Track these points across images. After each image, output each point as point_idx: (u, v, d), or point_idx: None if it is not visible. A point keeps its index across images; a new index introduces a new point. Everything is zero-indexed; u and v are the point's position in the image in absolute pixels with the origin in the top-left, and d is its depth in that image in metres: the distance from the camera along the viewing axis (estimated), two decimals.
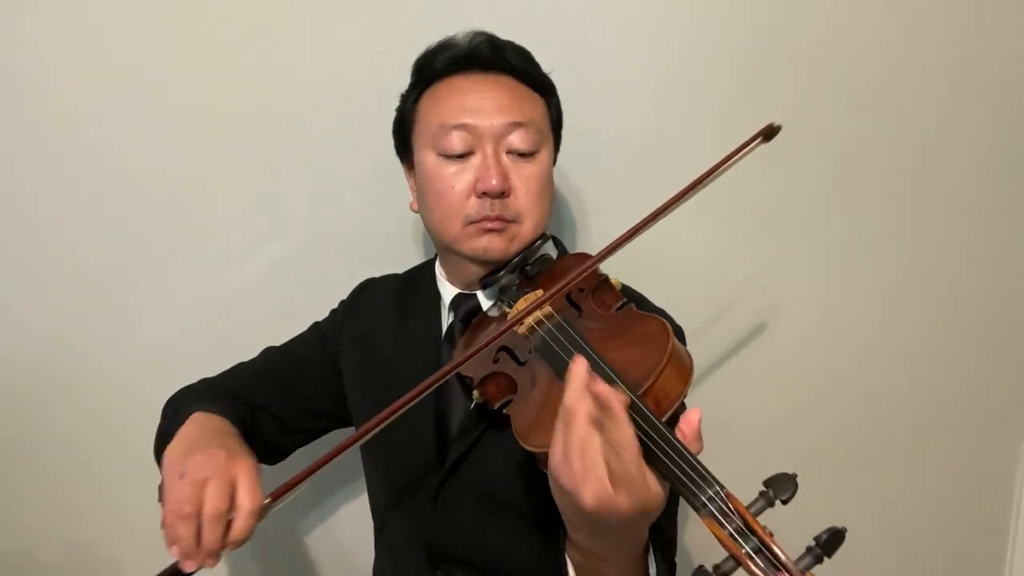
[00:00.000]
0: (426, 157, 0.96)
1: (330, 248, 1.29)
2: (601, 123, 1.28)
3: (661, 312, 0.98)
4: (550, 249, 1.02)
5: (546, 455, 0.68)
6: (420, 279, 1.10)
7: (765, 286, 1.37)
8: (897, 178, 1.36)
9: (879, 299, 1.40)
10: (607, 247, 0.81)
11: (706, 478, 0.61)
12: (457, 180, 0.93)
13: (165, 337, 1.29)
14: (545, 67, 1.02)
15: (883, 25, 1.31)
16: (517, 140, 0.94)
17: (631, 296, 0.95)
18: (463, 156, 0.94)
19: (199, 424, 0.85)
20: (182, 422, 0.85)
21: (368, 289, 1.14)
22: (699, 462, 0.63)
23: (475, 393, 0.87)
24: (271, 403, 1.03)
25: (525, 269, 0.96)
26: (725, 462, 1.40)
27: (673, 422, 0.69)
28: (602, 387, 0.65)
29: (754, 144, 0.87)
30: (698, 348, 1.32)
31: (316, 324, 1.14)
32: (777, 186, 1.34)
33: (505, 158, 0.94)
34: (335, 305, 1.16)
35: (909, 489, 1.47)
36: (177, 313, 1.29)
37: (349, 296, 1.15)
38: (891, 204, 1.37)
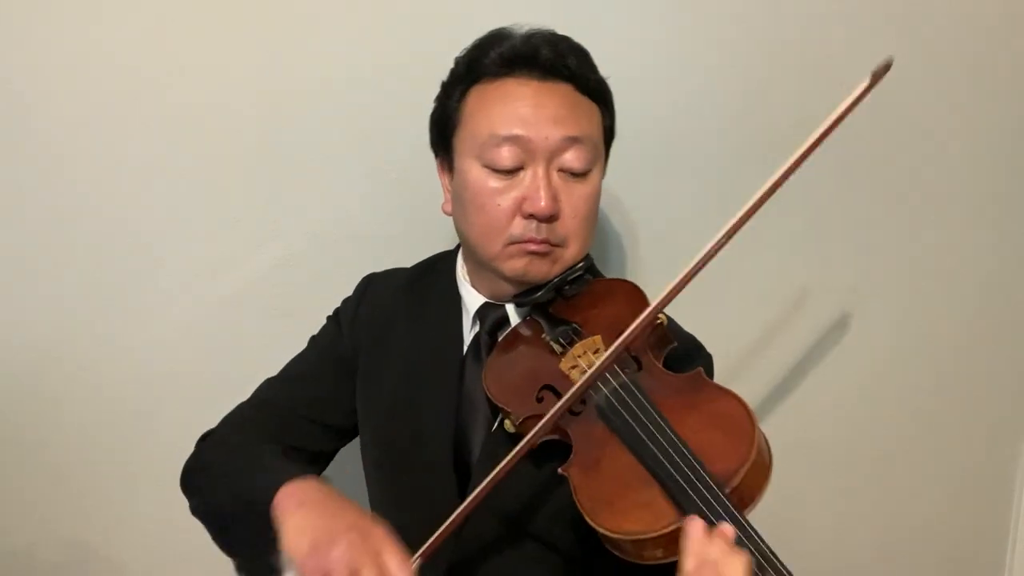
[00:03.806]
0: (470, 166, 0.89)
1: (330, 248, 1.29)
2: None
3: (693, 340, 0.94)
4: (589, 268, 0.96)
5: (618, 538, 0.66)
6: (435, 275, 1.03)
7: (762, 288, 1.37)
8: (899, 178, 1.36)
9: (877, 299, 1.40)
10: (675, 284, 0.74)
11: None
12: (503, 197, 0.87)
13: (165, 337, 1.29)
14: (603, 71, 0.94)
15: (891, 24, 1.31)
16: (571, 158, 0.87)
17: (671, 329, 0.90)
18: (512, 171, 0.87)
19: (301, 503, 0.75)
20: (262, 489, 0.78)
21: (372, 285, 1.07)
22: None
23: (507, 423, 0.83)
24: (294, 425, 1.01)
25: (563, 290, 0.91)
26: None
27: None
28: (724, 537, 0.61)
29: (864, 94, 0.74)
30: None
31: (314, 337, 1.09)
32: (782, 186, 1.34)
33: (556, 177, 0.88)
34: (335, 306, 1.16)
35: (909, 489, 1.47)
36: (177, 313, 1.28)
37: (354, 295, 1.08)
38: (892, 204, 1.37)
